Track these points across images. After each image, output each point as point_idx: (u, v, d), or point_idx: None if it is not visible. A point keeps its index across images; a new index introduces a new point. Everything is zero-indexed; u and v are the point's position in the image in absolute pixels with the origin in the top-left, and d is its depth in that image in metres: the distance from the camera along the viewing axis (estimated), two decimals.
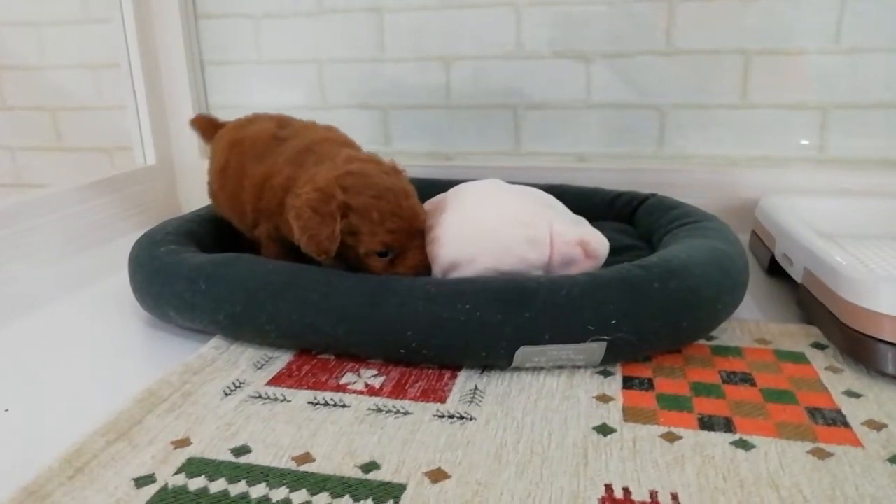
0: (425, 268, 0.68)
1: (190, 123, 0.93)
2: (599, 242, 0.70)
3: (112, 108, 1.29)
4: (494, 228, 0.67)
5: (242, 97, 1.24)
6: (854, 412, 0.54)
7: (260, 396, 0.58)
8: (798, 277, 0.74)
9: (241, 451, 0.50)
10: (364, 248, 0.66)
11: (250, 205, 0.75)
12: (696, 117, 1.08)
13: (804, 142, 1.06)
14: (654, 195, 0.95)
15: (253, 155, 0.77)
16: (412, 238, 0.67)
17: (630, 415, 0.54)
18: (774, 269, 0.83)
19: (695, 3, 1.03)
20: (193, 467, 0.48)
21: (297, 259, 0.69)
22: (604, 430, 0.52)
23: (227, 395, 0.59)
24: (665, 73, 1.07)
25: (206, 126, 0.91)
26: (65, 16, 1.28)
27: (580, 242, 0.68)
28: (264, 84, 1.23)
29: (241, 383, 0.61)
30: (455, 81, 1.14)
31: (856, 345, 0.61)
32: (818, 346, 0.66)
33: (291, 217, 0.65)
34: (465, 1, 1.10)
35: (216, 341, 0.69)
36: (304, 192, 0.66)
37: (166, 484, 0.47)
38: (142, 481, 0.47)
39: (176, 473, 0.48)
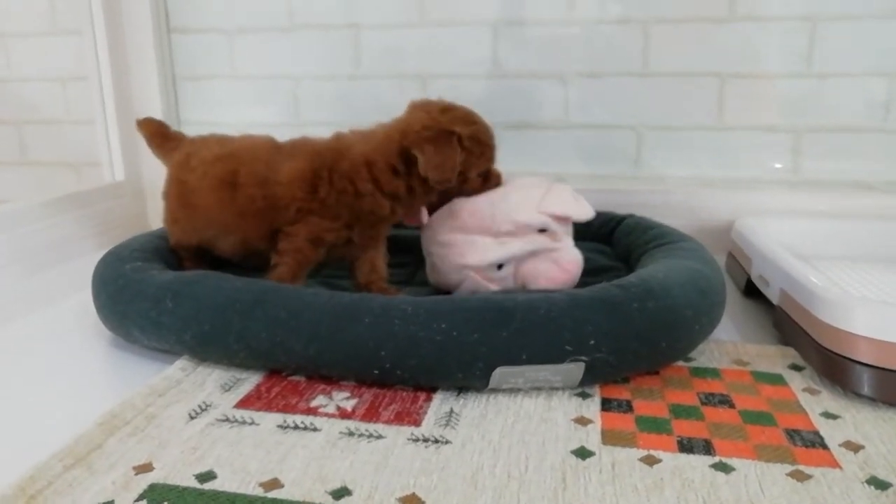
0: (501, 182, 0.80)
1: (137, 125, 0.87)
2: (575, 255, 0.77)
3: (80, 123, 1.27)
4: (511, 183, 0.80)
5: (215, 113, 1.23)
6: (832, 434, 0.54)
7: (227, 419, 0.56)
8: (774, 299, 0.74)
9: (207, 476, 0.48)
10: (475, 171, 0.75)
11: (298, 202, 0.73)
12: (672, 139, 1.09)
13: (777, 165, 1.07)
14: (631, 216, 0.96)
15: (267, 160, 0.75)
16: (494, 158, 0.78)
17: (609, 437, 0.53)
18: (751, 291, 0.83)
19: (668, 25, 1.05)
20: (156, 494, 0.46)
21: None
22: (582, 453, 0.51)
23: (192, 417, 0.57)
24: (641, 95, 1.08)
25: (156, 132, 0.86)
26: (33, 28, 1.26)
27: (564, 216, 0.76)
28: (238, 100, 1.22)
29: (207, 406, 0.59)
30: None
31: (832, 366, 0.61)
32: (795, 367, 0.66)
33: (417, 153, 0.71)
34: (441, 19, 1.11)
35: (182, 362, 0.67)
36: (417, 133, 0.72)
37: None
38: None
39: (137, 500, 0.45)
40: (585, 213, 0.77)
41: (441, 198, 0.78)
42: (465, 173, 0.75)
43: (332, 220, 0.73)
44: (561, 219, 0.76)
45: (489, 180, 0.78)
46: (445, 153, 0.71)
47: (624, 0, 1.05)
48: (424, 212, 0.79)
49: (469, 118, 0.75)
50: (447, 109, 0.75)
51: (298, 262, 0.74)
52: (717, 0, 1.03)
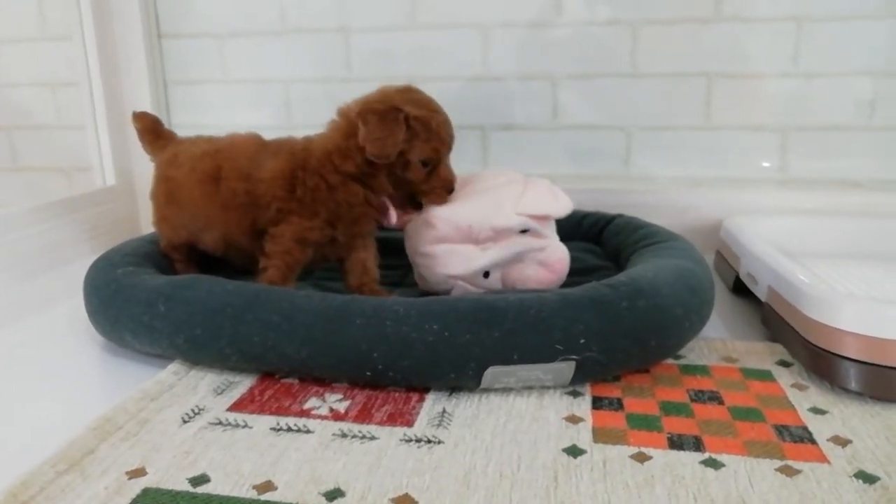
0: (452, 184, 0.77)
1: (133, 118, 0.87)
2: (562, 252, 0.76)
3: (71, 128, 1.26)
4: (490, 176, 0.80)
5: (206, 117, 1.23)
6: (820, 429, 0.54)
7: (220, 423, 0.56)
8: (762, 296, 0.74)
9: (200, 480, 0.48)
10: (417, 154, 0.73)
11: (278, 201, 0.74)
12: (661, 139, 1.09)
13: (766, 164, 1.08)
14: (620, 216, 0.96)
15: (251, 156, 0.76)
16: (446, 155, 0.77)
17: (600, 435, 0.54)
18: (739, 288, 0.84)
19: (657, 26, 1.05)
20: (149, 498, 0.46)
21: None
22: (574, 451, 0.52)
23: (185, 421, 0.57)
24: (630, 96, 1.08)
25: (149, 128, 0.86)
26: (22, 33, 1.25)
27: (543, 215, 0.74)
28: (229, 104, 1.22)
29: (200, 409, 0.59)
30: None
31: (820, 362, 0.61)
32: (783, 363, 0.67)
33: (359, 122, 0.71)
34: (431, 22, 1.11)
35: (175, 366, 0.66)
36: (366, 104, 0.72)
37: None
38: None
39: None
40: (564, 208, 0.75)
41: (396, 187, 0.75)
42: (406, 155, 0.73)
43: (312, 219, 0.73)
44: (540, 218, 0.75)
45: (435, 175, 0.75)
46: (389, 128, 0.70)
47: (613, 2, 1.06)
48: (392, 213, 0.77)
49: (427, 105, 0.74)
50: (407, 91, 0.75)
51: (287, 264, 0.74)
52: (704, 0, 1.03)
